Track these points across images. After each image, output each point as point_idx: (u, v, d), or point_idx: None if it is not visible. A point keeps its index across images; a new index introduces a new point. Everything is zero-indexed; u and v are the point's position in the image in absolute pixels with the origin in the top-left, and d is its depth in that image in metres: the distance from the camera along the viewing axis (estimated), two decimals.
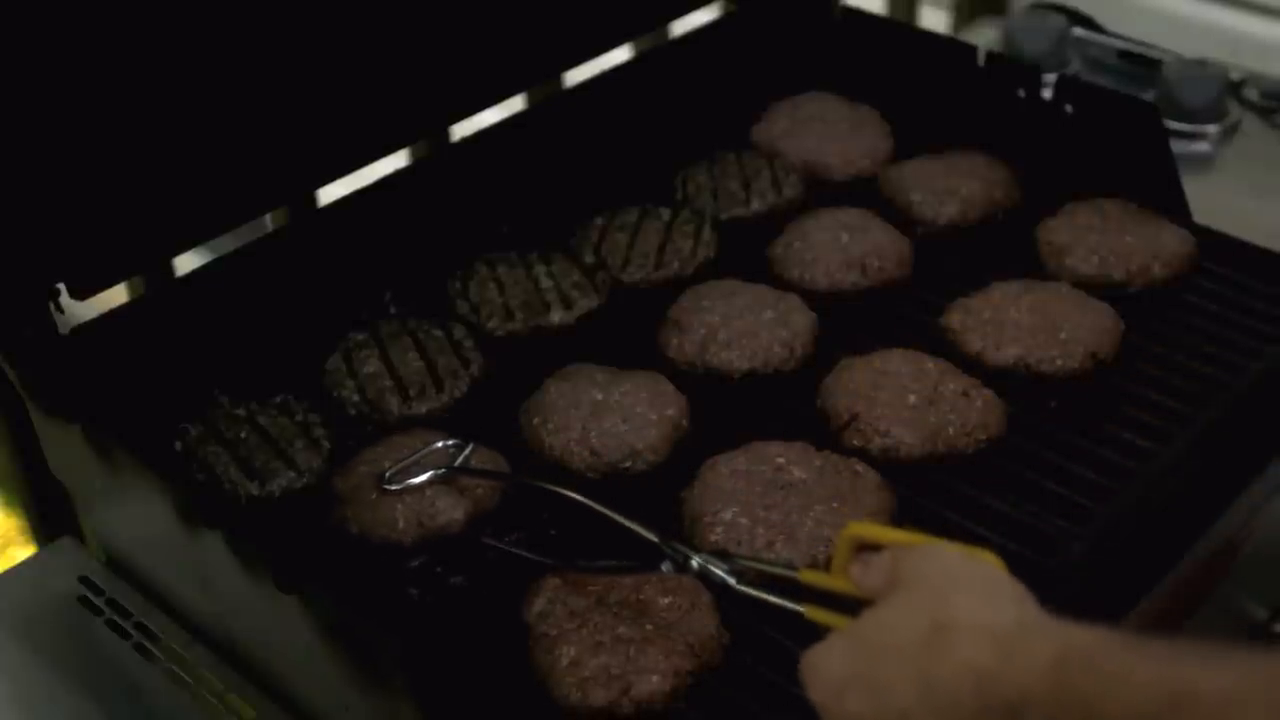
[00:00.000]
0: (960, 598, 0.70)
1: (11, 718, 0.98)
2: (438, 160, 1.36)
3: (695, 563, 0.87)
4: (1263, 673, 0.58)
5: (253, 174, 1.10)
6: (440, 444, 1.03)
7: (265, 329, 1.12)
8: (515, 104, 1.38)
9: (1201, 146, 1.51)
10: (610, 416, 1.06)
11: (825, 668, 0.75)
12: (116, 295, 1.11)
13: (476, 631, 0.93)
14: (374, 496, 0.99)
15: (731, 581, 0.85)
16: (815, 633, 0.91)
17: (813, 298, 1.19)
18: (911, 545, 0.76)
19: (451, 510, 0.99)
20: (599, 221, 1.28)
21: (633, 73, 1.42)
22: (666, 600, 0.92)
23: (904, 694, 0.70)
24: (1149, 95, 1.51)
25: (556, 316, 1.18)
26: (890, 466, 1.03)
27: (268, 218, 1.25)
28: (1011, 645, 0.67)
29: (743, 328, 1.14)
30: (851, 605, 0.77)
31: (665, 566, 0.88)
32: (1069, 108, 1.29)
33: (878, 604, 0.74)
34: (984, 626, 0.68)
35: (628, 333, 1.18)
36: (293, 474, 1.04)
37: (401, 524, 0.98)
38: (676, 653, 0.88)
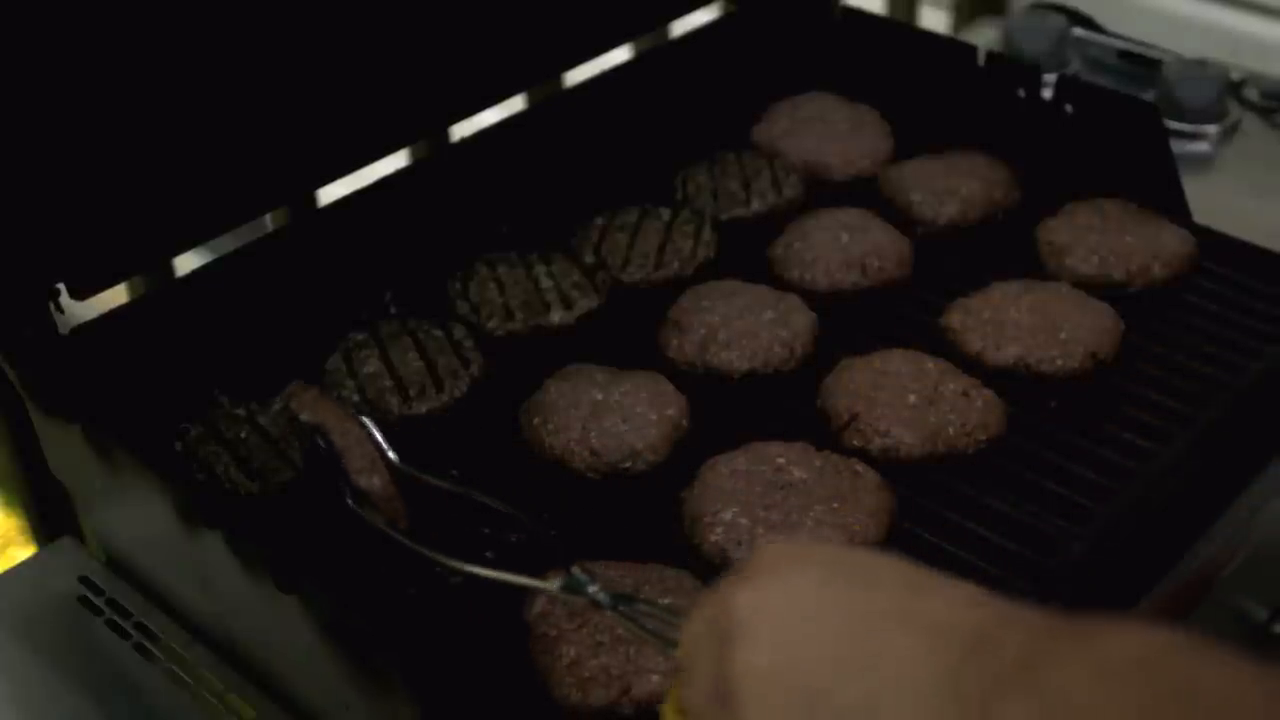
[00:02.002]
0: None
1: (11, 718, 0.98)
2: (438, 160, 1.36)
3: (582, 578, 0.81)
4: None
5: (253, 174, 1.10)
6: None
7: (265, 329, 1.12)
8: (515, 104, 1.38)
9: (1201, 146, 1.51)
10: (610, 416, 1.06)
11: (791, 545, 0.67)
12: (116, 295, 1.11)
13: (476, 631, 0.93)
14: (329, 398, 0.96)
15: (603, 599, 0.79)
16: None
17: (813, 298, 1.19)
18: None
19: (369, 471, 0.93)
20: (599, 221, 1.28)
21: (633, 73, 1.42)
22: (666, 601, 0.91)
23: (882, 579, 0.61)
24: (1149, 95, 1.51)
25: (556, 316, 1.18)
26: (890, 466, 1.03)
27: (268, 218, 1.25)
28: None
29: (743, 328, 1.14)
30: None
31: (555, 585, 0.82)
32: (1069, 108, 1.29)
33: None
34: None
35: (628, 333, 1.18)
36: (293, 474, 1.03)
37: (329, 421, 0.94)
38: None
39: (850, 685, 0.58)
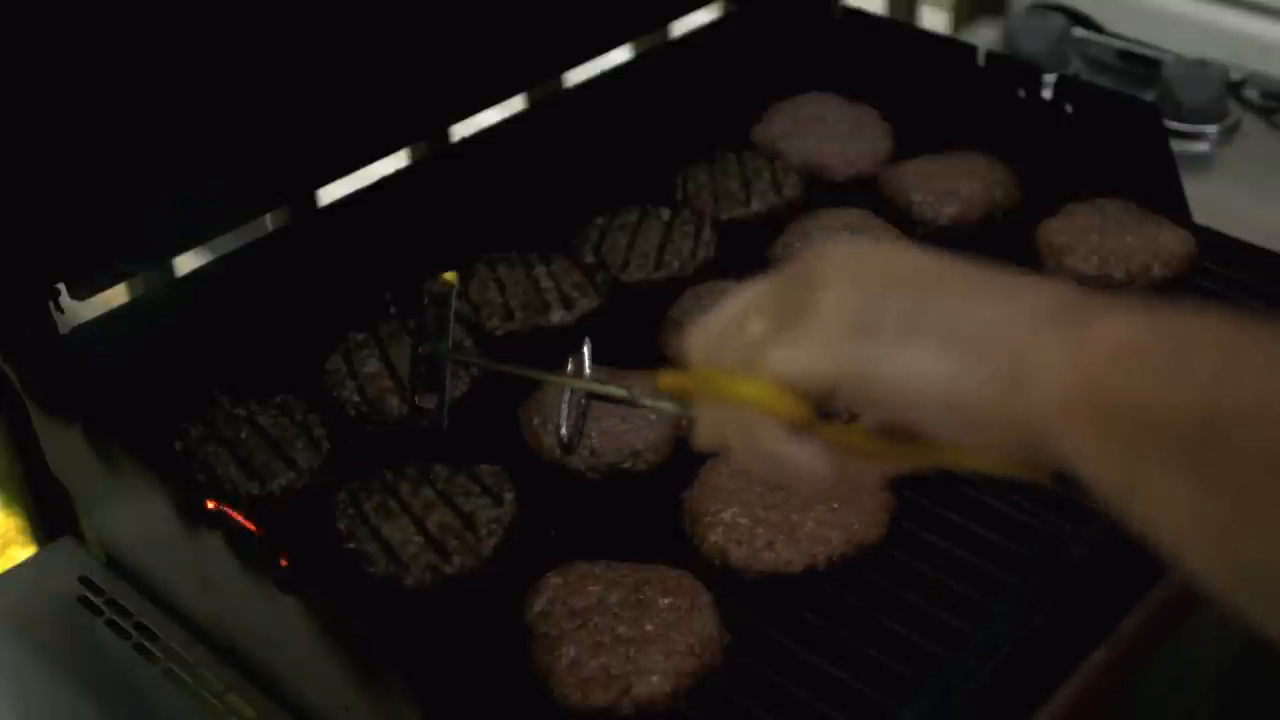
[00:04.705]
0: None
1: (11, 718, 0.98)
2: (438, 160, 1.35)
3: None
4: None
5: (253, 174, 1.10)
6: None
7: (265, 329, 1.12)
8: (515, 104, 1.38)
9: (1201, 146, 1.51)
10: (610, 416, 1.05)
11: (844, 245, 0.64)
12: (116, 295, 1.11)
13: (476, 631, 0.93)
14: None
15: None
16: (813, 632, 0.91)
17: None
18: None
19: None
20: (599, 221, 1.28)
21: (633, 73, 1.42)
22: (666, 601, 0.92)
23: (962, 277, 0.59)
24: (1149, 95, 1.51)
25: (556, 316, 1.18)
26: None
27: (268, 218, 1.25)
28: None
29: None
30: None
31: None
32: (1069, 108, 1.29)
33: None
34: None
35: (628, 333, 1.17)
36: (293, 474, 1.04)
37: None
38: (677, 653, 0.88)
39: (943, 286, 0.58)
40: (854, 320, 0.58)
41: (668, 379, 0.71)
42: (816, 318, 0.59)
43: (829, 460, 0.63)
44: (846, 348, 0.58)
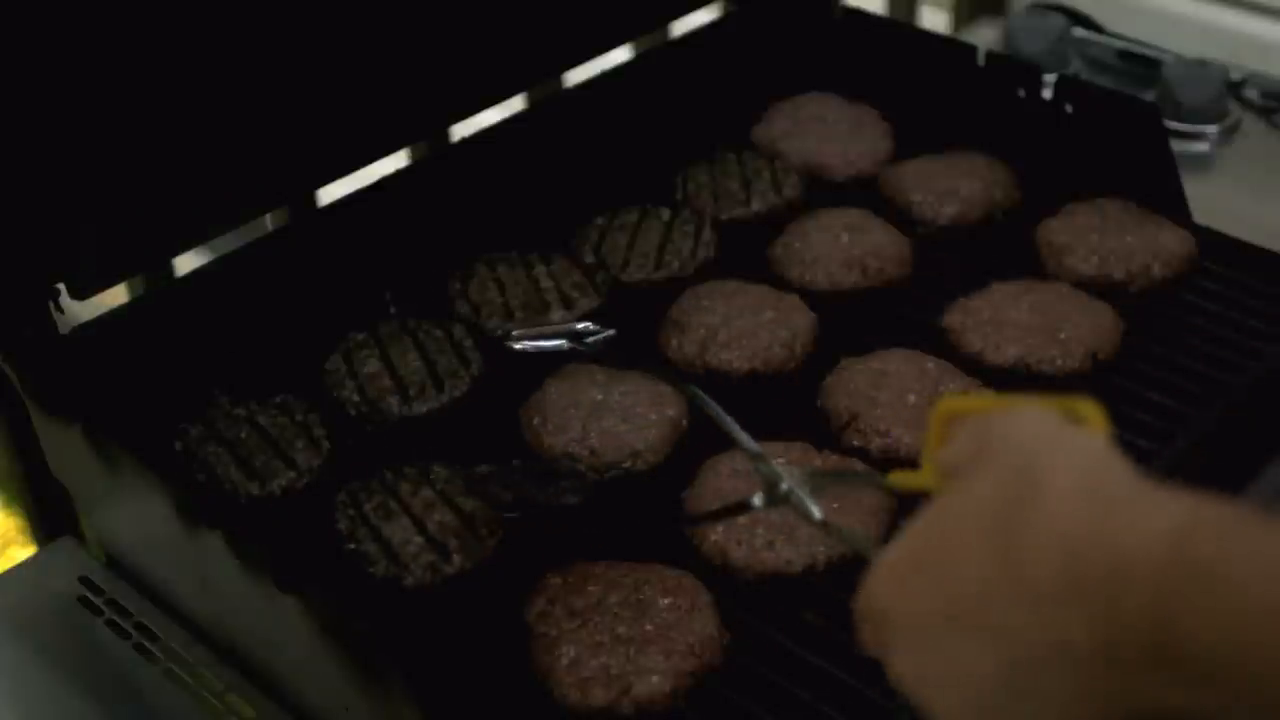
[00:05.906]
0: (1052, 461, 0.58)
1: (11, 718, 0.98)
2: (438, 160, 1.35)
3: (784, 486, 0.83)
4: None
5: (253, 174, 1.10)
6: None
7: (265, 329, 1.12)
8: (515, 104, 1.38)
9: (1201, 146, 1.51)
10: (610, 416, 1.06)
11: (886, 560, 0.63)
12: (116, 295, 1.11)
13: (476, 631, 0.93)
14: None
15: (816, 514, 0.81)
16: (813, 632, 0.92)
17: (813, 298, 1.19)
18: (1003, 410, 0.63)
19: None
20: (599, 221, 1.28)
21: (633, 73, 1.42)
22: (666, 600, 0.92)
23: (977, 574, 0.57)
24: (1149, 95, 1.51)
25: (556, 316, 1.18)
26: (890, 466, 1.03)
27: (268, 218, 1.25)
28: (1114, 508, 0.55)
29: (743, 328, 1.14)
30: None
31: (757, 500, 0.84)
32: (1069, 108, 1.29)
33: (956, 481, 0.62)
34: (1080, 488, 0.56)
35: (628, 333, 1.17)
36: (293, 474, 1.04)
37: None
38: (677, 653, 0.88)
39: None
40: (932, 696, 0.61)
41: None
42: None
43: None
44: None
